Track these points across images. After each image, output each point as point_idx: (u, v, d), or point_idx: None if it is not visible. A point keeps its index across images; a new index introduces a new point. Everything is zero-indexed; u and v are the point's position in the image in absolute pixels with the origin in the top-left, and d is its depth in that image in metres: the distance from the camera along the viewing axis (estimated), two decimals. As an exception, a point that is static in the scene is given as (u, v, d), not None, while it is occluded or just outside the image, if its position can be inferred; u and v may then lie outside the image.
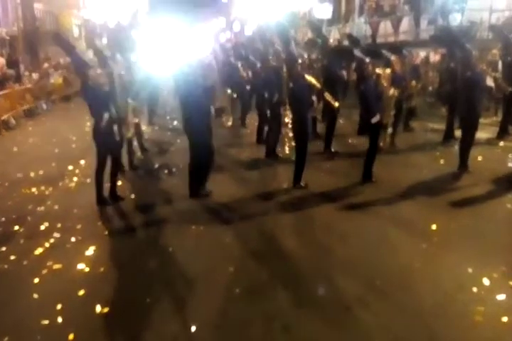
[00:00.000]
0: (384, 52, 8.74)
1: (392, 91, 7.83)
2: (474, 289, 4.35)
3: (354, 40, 10.48)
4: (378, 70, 7.52)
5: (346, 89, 11.23)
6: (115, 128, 6.74)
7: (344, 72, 9.58)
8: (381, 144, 7.41)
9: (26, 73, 17.41)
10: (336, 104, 8.17)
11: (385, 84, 7.41)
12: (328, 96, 7.89)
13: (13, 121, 13.81)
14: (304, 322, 3.97)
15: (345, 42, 13.91)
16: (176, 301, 4.39)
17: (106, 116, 6.50)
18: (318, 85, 7.32)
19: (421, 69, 11.91)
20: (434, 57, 15.20)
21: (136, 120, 8.57)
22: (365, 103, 7.36)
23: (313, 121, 8.46)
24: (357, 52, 8.80)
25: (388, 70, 7.74)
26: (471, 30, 13.53)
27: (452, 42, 8.22)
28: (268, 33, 11.53)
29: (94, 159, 6.88)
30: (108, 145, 6.73)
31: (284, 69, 9.10)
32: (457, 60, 8.71)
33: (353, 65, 11.24)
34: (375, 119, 7.09)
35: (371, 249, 5.24)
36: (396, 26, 18.85)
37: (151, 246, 5.57)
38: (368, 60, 8.34)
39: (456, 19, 15.48)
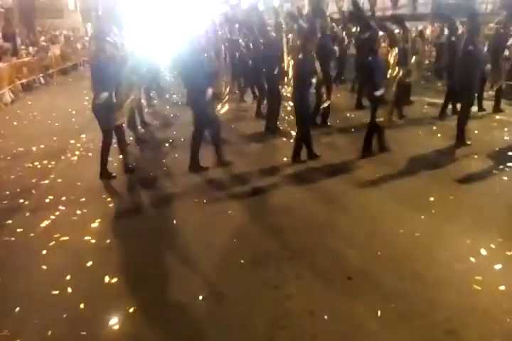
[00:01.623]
0: (388, 25, 8.64)
1: (397, 69, 7.79)
2: (472, 259, 4.47)
3: (359, 9, 10.31)
4: (387, 47, 7.45)
5: (340, 63, 11.22)
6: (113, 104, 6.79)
7: (336, 47, 9.54)
8: (381, 119, 7.38)
9: (23, 47, 17.21)
10: (326, 104, 8.12)
11: (392, 62, 7.35)
12: (326, 91, 7.84)
13: (11, 94, 13.76)
14: (306, 291, 4.09)
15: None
16: (182, 271, 4.50)
17: (104, 95, 6.50)
18: (320, 74, 7.25)
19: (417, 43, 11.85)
20: (431, 31, 15.13)
21: (133, 96, 8.51)
22: (370, 75, 7.33)
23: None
24: (373, 23, 8.69)
25: (396, 49, 7.65)
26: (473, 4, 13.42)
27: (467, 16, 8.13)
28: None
29: (95, 133, 6.93)
30: (108, 119, 6.76)
31: (284, 42, 9.08)
32: (459, 34, 8.70)
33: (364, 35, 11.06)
34: (379, 92, 7.10)
35: (372, 221, 5.35)
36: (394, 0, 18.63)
37: (155, 219, 5.67)
38: (381, 32, 8.23)
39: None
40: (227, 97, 7.98)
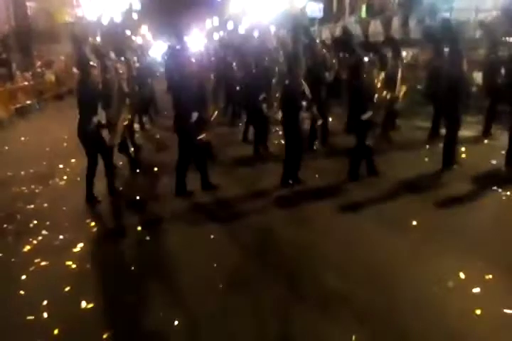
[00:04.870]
0: (382, 47, 8.75)
1: (385, 93, 7.87)
2: (450, 283, 4.45)
3: (348, 35, 10.47)
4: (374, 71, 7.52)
5: (333, 89, 11.32)
6: (103, 132, 6.89)
7: (327, 74, 9.62)
8: (368, 143, 7.39)
9: (18, 72, 17.41)
10: (319, 122, 8.13)
11: (379, 86, 7.42)
12: (315, 110, 7.88)
13: (5, 119, 13.88)
14: (283, 315, 4.07)
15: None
16: (160, 297, 4.48)
17: (95, 119, 6.57)
18: (309, 95, 7.30)
19: (409, 69, 12.04)
20: (422, 57, 15.31)
21: (128, 117, 8.53)
22: (357, 99, 7.35)
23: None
24: (357, 48, 8.80)
25: (383, 74, 7.71)
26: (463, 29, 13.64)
27: (448, 39, 8.26)
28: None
29: (85, 158, 6.95)
30: (96, 146, 6.83)
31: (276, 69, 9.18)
32: (444, 58, 8.80)
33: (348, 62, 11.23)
34: (366, 115, 7.10)
35: (353, 245, 5.34)
36: (386, 25, 18.87)
37: (138, 244, 5.66)
38: (366, 57, 8.31)
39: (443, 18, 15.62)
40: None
